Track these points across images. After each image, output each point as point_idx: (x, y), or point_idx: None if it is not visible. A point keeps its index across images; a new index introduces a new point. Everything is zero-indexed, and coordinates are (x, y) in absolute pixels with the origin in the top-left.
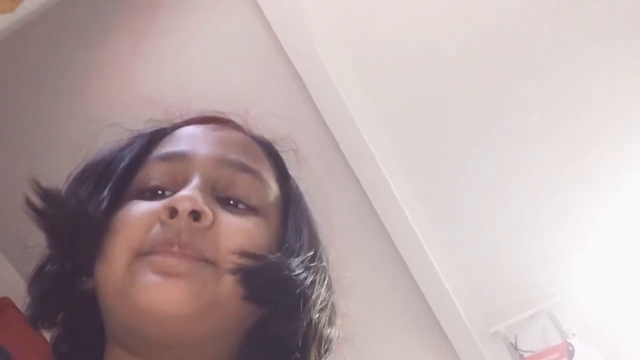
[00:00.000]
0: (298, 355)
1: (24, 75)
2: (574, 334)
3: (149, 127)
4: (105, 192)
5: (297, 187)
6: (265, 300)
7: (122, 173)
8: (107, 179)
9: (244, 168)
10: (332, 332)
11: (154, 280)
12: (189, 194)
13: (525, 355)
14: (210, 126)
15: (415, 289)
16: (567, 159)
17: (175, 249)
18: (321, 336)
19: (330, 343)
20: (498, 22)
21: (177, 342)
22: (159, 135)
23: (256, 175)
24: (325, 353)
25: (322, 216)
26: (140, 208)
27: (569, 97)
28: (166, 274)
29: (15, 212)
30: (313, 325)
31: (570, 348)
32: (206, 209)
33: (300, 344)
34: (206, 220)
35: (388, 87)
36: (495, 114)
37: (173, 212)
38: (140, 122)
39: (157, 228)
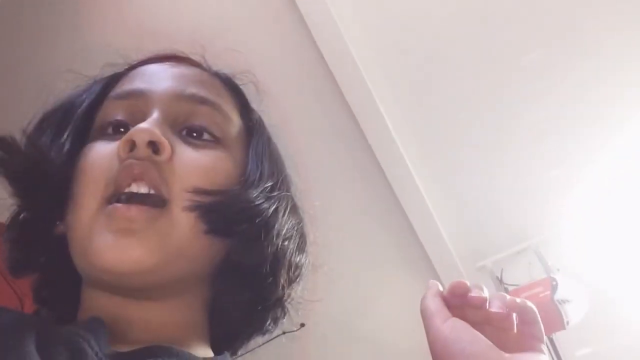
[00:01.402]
0: (269, 280)
1: None
2: (558, 270)
3: (106, 72)
4: (65, 136)
5: (260, 119)
6: (228, 233)
7: (81, 116)
8: (67, 123)
9: (203, 100)
10: (301, 258)
11: (109, 242)
12: (146, 126)
13: (510, 289)
14: (168, 63)
15: (405, 221)
16: (563, 102)
17: (134, 187)
18: (290, 262)
19: (300, 269)
20: None
21: (147, 288)
22: (116, 77)
23: (216, 107)
24: (296, 278)
25: (302, 147)
26: (100, 149)
27: (568, 38)
28: (122, 231)
29: None
30: (280, 252)
31: (554, 283)
32: (163, 139)
33: (268, 270)
34: (164, 152)
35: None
36: (494, 51)
37: (132, 145)
38: (96, 67)
39: (116, 167)
